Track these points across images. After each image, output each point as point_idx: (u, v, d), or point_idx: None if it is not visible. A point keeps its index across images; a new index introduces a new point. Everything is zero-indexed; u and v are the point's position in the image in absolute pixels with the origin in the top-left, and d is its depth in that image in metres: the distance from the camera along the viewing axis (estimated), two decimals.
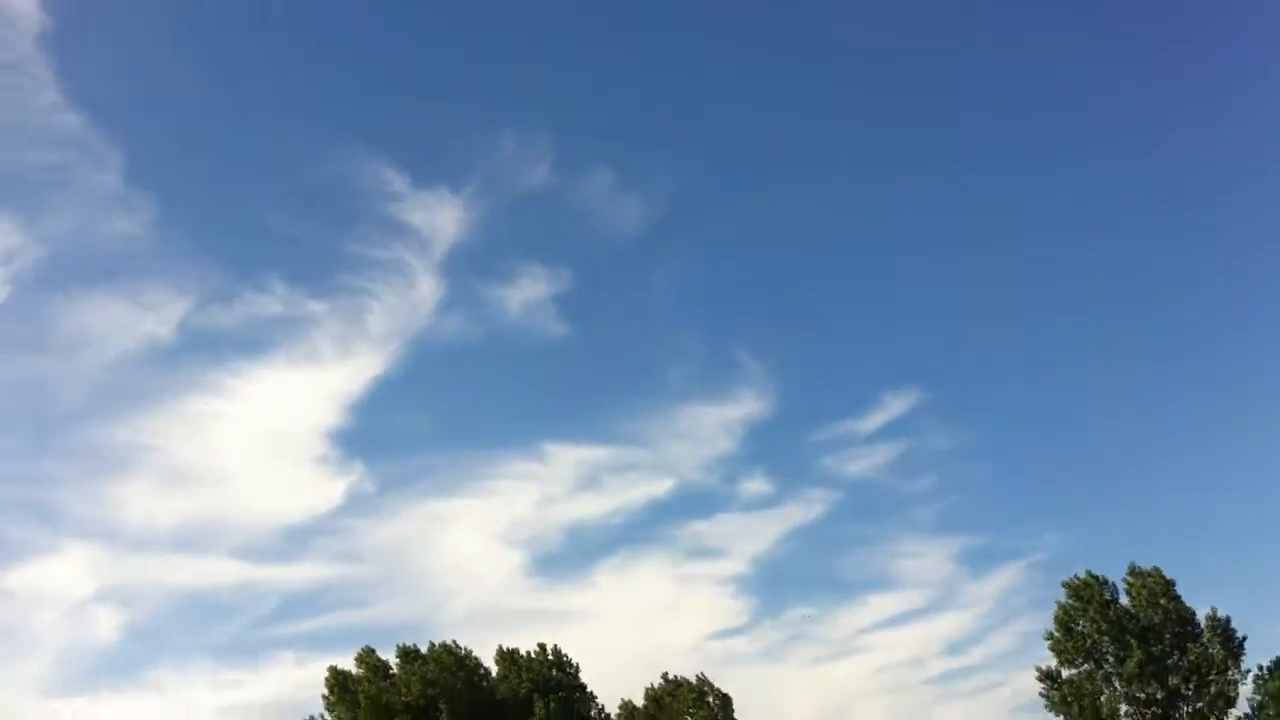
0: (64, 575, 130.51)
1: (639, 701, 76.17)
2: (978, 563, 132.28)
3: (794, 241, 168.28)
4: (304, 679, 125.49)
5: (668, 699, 75.26)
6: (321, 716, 73.37)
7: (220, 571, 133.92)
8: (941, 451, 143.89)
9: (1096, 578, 68.07)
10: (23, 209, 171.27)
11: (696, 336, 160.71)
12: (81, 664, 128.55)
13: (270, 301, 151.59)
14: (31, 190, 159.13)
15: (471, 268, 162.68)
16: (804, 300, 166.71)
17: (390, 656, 75.16)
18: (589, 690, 76.95)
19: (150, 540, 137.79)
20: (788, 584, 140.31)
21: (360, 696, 71.98)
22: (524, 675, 75.55)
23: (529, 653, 76.91)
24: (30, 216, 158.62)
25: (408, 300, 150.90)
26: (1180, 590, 66.90)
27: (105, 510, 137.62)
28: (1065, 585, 68.78)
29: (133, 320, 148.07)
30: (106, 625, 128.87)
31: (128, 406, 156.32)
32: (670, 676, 76.10)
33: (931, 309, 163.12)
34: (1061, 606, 68.53)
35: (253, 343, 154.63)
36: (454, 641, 75.85)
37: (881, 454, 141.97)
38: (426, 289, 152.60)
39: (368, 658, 74.77)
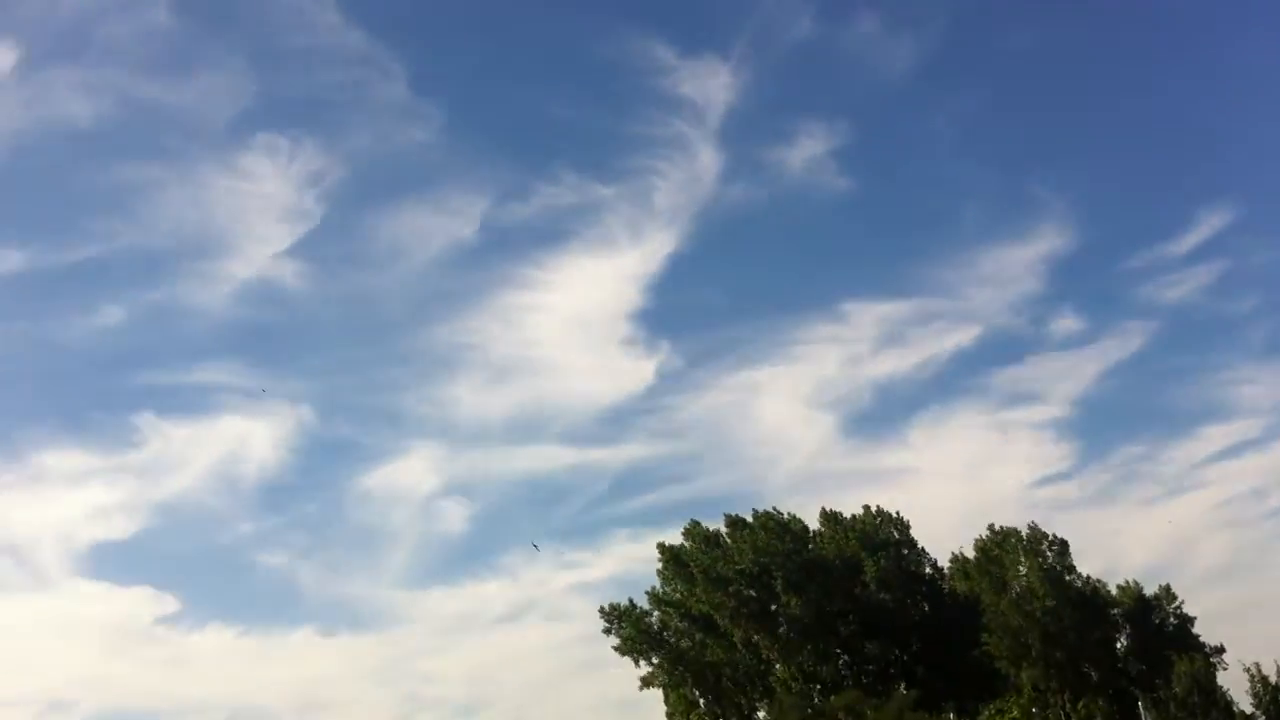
0: (413, 473, 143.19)
1: (969, 553, 75.50)
2: None
3: (1078, 61, 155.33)
4: (639, 554, 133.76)
5: (997, 550, 74.15)
6: (656, 589, 77.60)
7: (552, 457, 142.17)
8: (1265, 266, 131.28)
9: None
10: (322, 129, 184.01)
11: (988, 173, 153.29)
12: (437, 555, 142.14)
13: (562, 192, 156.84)
14: (328, 109, 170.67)
15: (748, 132, 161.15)
16: (1097, 122, 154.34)
17: (718, 526, 78.12)
18: (919, 545, 77.18)
19: (484, 434, 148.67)
20: (1112, 423, 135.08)
21: (694, 569, 75.19)
22: (849, 536, 76.53)
23: (853, 515, 77.88)
24: (330, 136, 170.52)
25: (690, 173, 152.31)
26: None
27: (442, 409, 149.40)
28: None
29: (438, 225, 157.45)
30: (455, 517, 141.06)
31: (446, 308, 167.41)
32: (996, 527, 74.93)
33: (1238, 113, 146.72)
34: None
35: (550, 234, 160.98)
36: (774, 509, 78.09)
37: (1200, 276, 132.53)
38: (707, 160, 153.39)
39: (694, 530, 77.97)
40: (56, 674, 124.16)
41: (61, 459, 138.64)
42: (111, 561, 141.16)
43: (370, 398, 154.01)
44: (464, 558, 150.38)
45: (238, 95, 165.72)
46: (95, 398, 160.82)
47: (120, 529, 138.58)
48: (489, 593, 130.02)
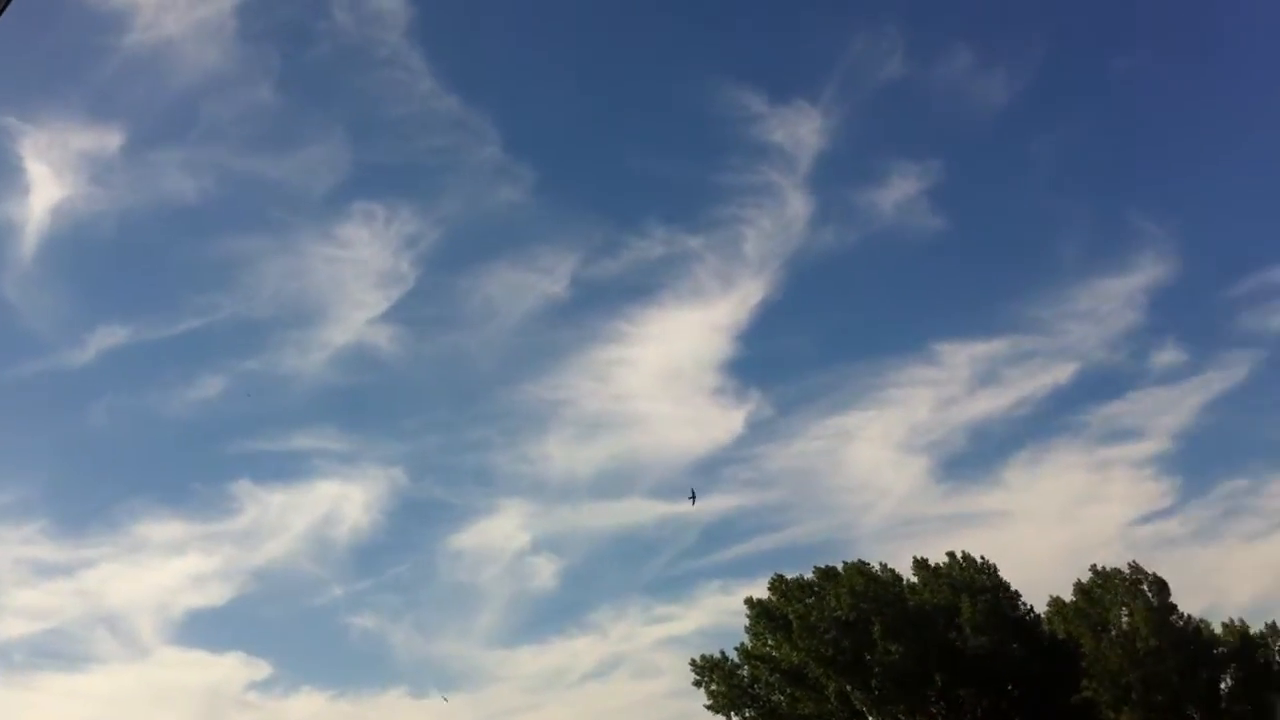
0: (503, 531, 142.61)
1: (1067, 596, 73.86)
2: None
3: (1177, 90, 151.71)
4: (730, 605, 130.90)
5: (1098, 590, 72.53)
6: (746, 644, 76.63)
7: (641, 511, 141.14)
8: None
9: None
10: (419, 194, 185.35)
11: (1083, 205, 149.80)
12: (527, 612, 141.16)
13: (651, 245, 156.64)
14: (424, 175, 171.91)
15: (839, 175, 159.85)
16: (1197, 149, 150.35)
17: (808, 576, 77.29)
18: (1013, 589, 75.68)
19: (574, 489, 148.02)
20: (1214, 457, 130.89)
21: (790, 614, 74.29)
22: (942, 582, 75.22)
23: (936, 564, 76.72)
24: (426, 201, 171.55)
25: (780, 220, 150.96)
26: None
27: (532, 466, 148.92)
28: None
29: (530, 283, 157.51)
30: (545, 573, 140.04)
31: (538, 365, 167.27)
32: (1098, 568, 73.32)
33: None
34: None
35: (640, 287, 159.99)
36: (861, 560, 77.26)
37: None
38: (797, 205, 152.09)
39: (779, 584, 77.10)
40: None
41: (160, 529, 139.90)
42: (206, 629, 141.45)
43: (460, 457, 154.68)
44: (553, 614, 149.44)
45: (336, 166, 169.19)
46: (194, 468, 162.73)
47: (215, 596, 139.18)
48: (578, 649, 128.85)
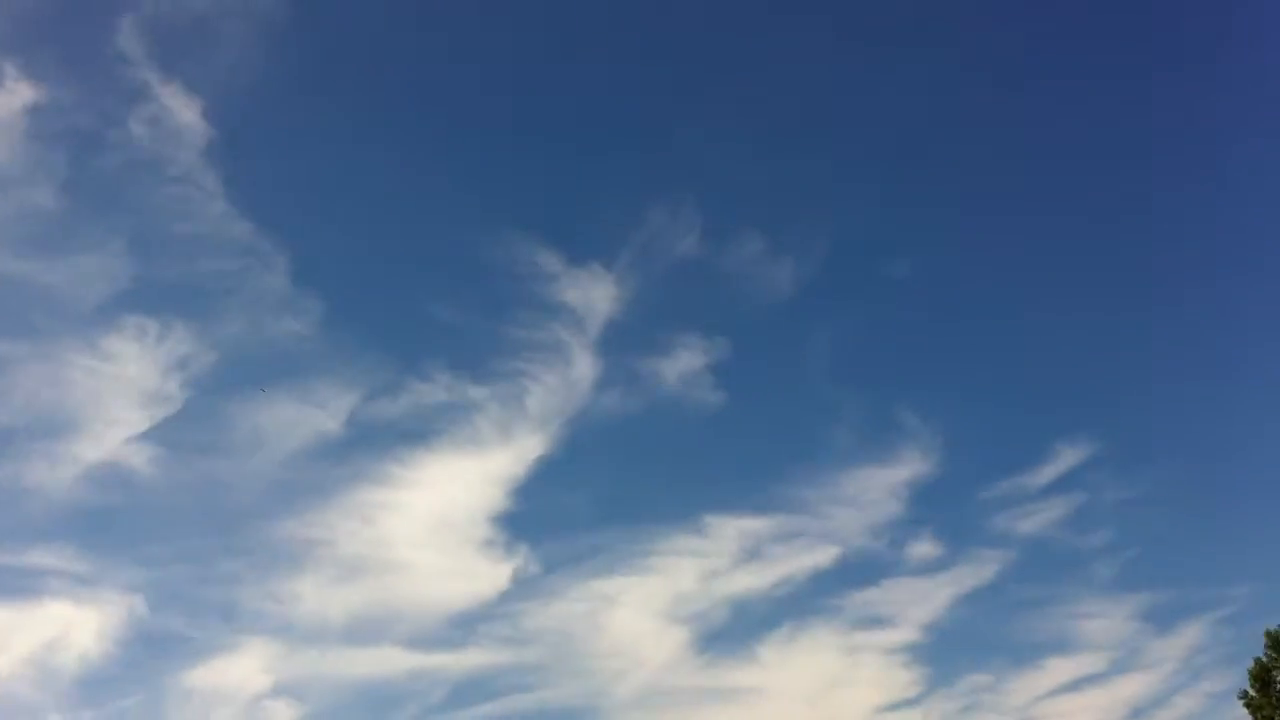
0: (242, 671, 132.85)
1: None
2: (1162, 620, 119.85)
3: (952, 294, 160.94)
4: None
5: None
6: None
7: (391, 661, 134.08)
8: (1120, 503, 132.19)
9: None
10: (197, 316, 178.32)
11: (857, 398, 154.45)
12: None
13: (434, 390, 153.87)
14: (205, 298, 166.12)
15: (627, 342, 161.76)
16: (967, 354, 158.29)
17: None
18: None
19: (324, 633, 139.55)
20: (961, 650, 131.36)
21: None
22: None
23: None
24: (203, 323, 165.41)
25: (566, 380, 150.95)
26: None
27: (281, 605, 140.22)
28: (1268, 634, 60.00)
29: (304, 417, 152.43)
30: (282, 719, 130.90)
31: (301, 502, 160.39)
32: None
33: (1103, 355, 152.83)
34: (1259, 661, 59.80)
35: (418, 432, 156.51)
36: None
37: (1056, 509, 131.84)
38: (584, 367, 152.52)
39: None
40: None
41: None
42: None
43: (207, 589, 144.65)
44: None
45: (112, 277, 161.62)
46: None
47: None
48: None
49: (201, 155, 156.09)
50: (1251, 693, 59.50)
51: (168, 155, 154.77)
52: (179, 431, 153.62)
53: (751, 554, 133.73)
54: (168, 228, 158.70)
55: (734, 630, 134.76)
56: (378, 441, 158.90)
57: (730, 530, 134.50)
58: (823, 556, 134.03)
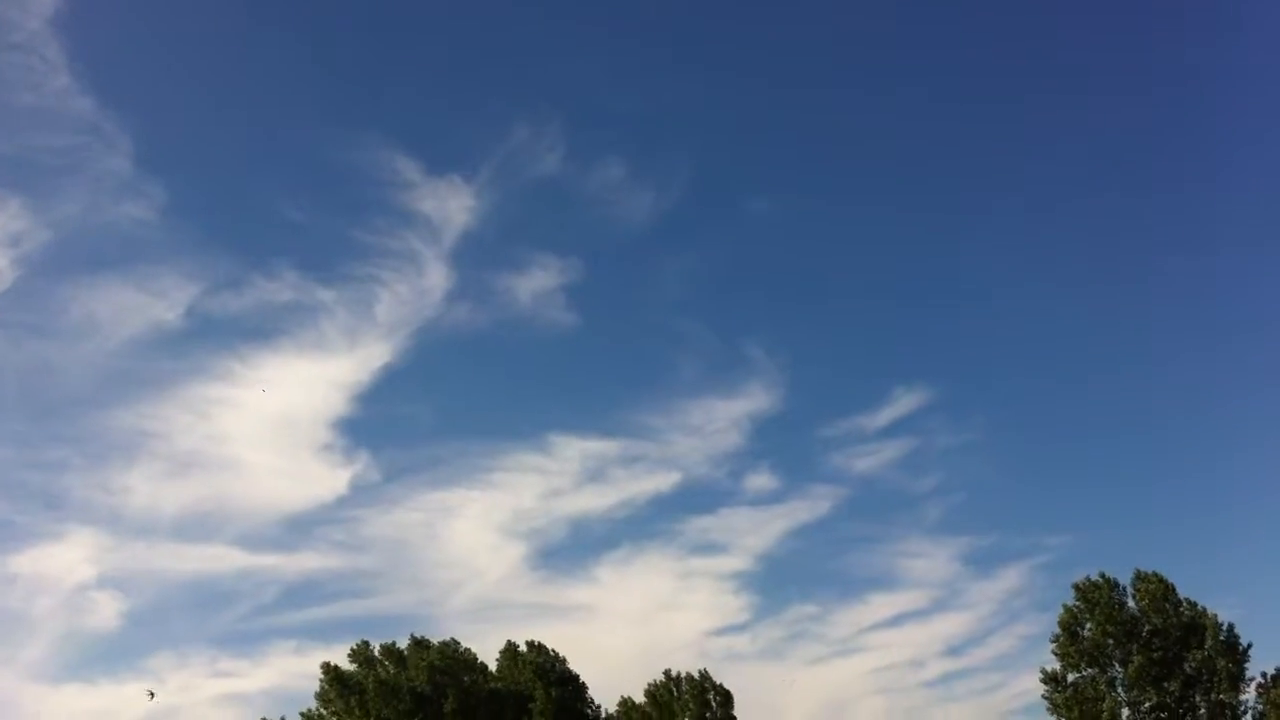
0: (66, 560, 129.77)
1: (639, 698, 75.76)
2: (982, 563, 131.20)
3: (806, 235, 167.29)
4: (304, 669, 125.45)
5: (666, 696, 74.84)
6: (312, 710, 73.11)
7: (222, 559, 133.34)
8: (949, 449, 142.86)
9: (1108, 579, 67.50)
10: (31, 192, 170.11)
11: (707, 330, 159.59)
12: (80, 650, 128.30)
13: (280, 289, 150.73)
14: (41, 174, 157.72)
15: (482, 257, 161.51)
16: (816, 294, 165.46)
17: (398, 644, 75.57)
18: (585, 685, 76.89)
19: (153, 527, 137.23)
20: (790, 582, 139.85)
21: (370, 681, 71.72)
22: (524, 669, 75.30)
23: (526, 646, 76.86)
24: (39, 200, 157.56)
25: (417, 289, 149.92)
26: (1186, 595, 66.72)
27: (110, 496, 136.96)
28: (1075, 587, 67.94)
29: (141, 306, 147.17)
30: (107, 612, 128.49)
31: (134, 393, 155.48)
32: (671, 673, 75.72)
33: (944, 304, 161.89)
34: (1068, 609, 68.04)
35: (261, 330, 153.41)
36: (453, 639, 76.22)
37: (890, 451, 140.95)
38: (436, 278, 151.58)
39: (362, 652, 74.53)
40: None
41: None
42: None
43: (31, 475, 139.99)
44: (109, 655, 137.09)
45: None
46: None
47: None
48: (128, 694, 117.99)
49: (47, 24, 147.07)
50: (1061, 638, 66.86)
51: (11, 20, 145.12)
52: (7, 310, 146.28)
53: (594, 475, 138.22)
54: (4, 98, 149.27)
55: (572, 549, 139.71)
56: (218, 336, 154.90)
57: (574, 450, 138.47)
58: (663, 482, 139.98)
